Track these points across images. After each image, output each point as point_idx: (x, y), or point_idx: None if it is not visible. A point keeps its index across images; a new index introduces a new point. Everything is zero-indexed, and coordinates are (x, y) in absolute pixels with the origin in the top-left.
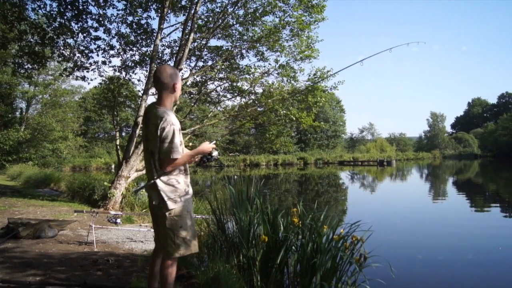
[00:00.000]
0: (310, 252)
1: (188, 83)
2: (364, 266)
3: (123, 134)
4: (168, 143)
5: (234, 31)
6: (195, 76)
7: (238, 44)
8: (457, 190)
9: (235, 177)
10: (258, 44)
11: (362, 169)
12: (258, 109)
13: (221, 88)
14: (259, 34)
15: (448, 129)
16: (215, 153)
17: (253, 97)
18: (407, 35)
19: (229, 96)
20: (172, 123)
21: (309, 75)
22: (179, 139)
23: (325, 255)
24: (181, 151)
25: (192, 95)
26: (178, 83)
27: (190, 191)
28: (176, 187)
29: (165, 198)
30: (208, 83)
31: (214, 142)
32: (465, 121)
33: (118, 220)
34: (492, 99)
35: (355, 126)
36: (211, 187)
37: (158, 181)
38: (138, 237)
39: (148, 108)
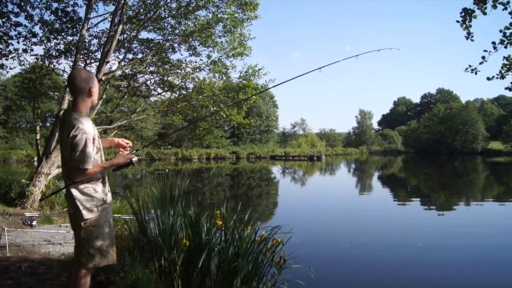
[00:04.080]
0: (231, 256)
1: (116, 76)
2: (284, 268)
3: (47, 124)
4: (79, 152)
5: (166, 24)
6: (124, 69)
7: (170, 38)
8: (381, 185)
9: (166, 170)
10: (190, 39)
11: (293, 164)
12: (191, 102)
13: (151, 82)
14: (192, 28)
15: (375, 126)
16: (134, 159)
17: (184, 92)
18: (337, 33)
19: (159, 90)
20: (84, 131)
21: (241, 72)
22: (92, 148)
23: (246, 259)
24: (98, 160)
25: (120, 88)
26: (94, 87)
27: (109, 199)
28: (93, 196)
29: (80, 208)
30: (138, 76)
31: (134, 151)
32: (391, 119)
33: (34, 223)
34: (416, 99)
35: (287, 121)
36: (141, 181)
37: (73, 190)
38: (57, 239)
39: (64, 114)
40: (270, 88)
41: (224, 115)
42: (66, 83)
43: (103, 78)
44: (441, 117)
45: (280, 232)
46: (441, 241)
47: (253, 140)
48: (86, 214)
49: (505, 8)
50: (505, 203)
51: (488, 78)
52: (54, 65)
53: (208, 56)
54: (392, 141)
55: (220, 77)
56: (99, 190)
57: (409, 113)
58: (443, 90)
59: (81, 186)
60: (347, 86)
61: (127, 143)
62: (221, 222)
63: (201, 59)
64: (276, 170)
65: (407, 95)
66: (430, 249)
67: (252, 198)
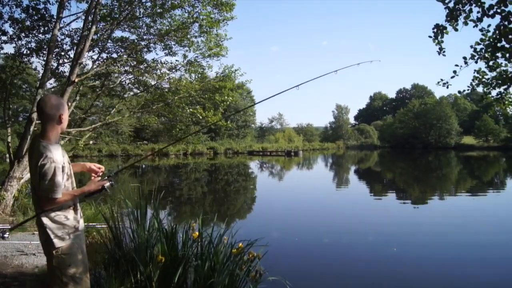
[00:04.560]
0: (207, 270)
1: (90, 76)
2: (260, 281)
3: (20, 119)
4: (48, 181)
5: (141, 23)
6: (97, 69)
7: (145, 37)
8: (358, 179)
9: (143, 166)
10: (166, 38)
11: (270, 159)
12: (167, 102)
13: (125, 82)
14: (167, 27)
15: (352, 120)
16: (107, 185)
17: (159, 91)
18: (314, 28)
19: (135, 90)
20: (52, 160)
21: (217, 73)
22: (61, 177)
23: (222, 274)
24: (68, 187)
25: (94, 88)
26: (64, 114)
27: (81, 226)
28: (64, 223)
29: (51, 236)
30: (113, 76)
31: (107, 177)
32: (367, 114)
33: (6, 235)
34: (391, 94)
35: (265, 116)
36: (117, 177)
37: (43, 218)
38: (30, 248)
39: (33, 141)
40: (255, 104)
41: (201, 117)
42: (38, 82)
43: (76, 79)
44: (416, 112)
45: (257, 245)
46: (420, 239)
47: (231, 135)
48: (58, 243)
49: (476, 25)
50: (478, 196)
51: (460, 92)
52: (25, 64)
53: (184, 56)
54: (368, 135)
55: (196, 77)
56: (71, 218)
57: (385, 108)
58: (418, 85)
59: (52, 214)
60: (324, 81)
61: (99, 168)
62: (197, 234)
63: (177, 60)
64: (253, 165)
65: (383, 90)
66: (410, 247)
67: (230, 193)
